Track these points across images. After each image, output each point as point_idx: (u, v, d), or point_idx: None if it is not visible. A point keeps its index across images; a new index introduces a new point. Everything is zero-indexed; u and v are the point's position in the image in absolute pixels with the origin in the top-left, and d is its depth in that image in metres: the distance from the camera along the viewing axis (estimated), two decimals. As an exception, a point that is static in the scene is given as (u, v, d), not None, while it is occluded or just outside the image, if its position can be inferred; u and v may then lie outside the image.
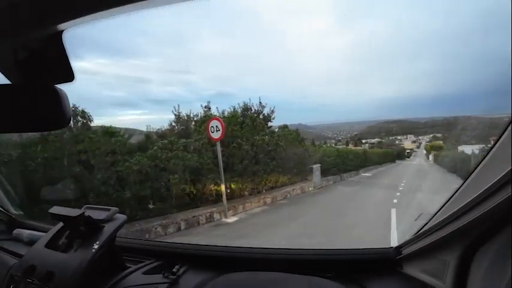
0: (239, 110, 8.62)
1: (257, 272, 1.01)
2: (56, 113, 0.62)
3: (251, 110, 8.78)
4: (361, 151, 15.87)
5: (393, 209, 6.70)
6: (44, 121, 0.65)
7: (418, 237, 0.88)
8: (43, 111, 0.63)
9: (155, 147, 6.29)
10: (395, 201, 7.71)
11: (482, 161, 0.72)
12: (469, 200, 0.65)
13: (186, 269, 1.01)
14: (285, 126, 10.22)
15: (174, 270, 0.97)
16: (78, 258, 0.83)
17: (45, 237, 0.94)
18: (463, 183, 0.77)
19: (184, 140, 6.86)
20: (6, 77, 0.63)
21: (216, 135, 6.42)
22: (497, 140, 0.68)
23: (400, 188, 9.64)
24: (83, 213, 0.88)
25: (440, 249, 0.81)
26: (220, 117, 7.39)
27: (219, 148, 6.46)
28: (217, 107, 8.41)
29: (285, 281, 0.96)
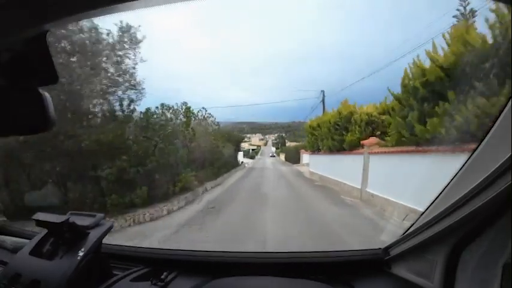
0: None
1: (247, 277, 1.00)
2: (39, 116, 0.61)
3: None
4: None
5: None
6: (28, 124, 0.63)
7: (405, 237, 0.89)
8: (26, 114, 0.61)
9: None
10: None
11: (467, 160, 0.73)
12: (456, 199, 0.65)
13: (174, 276, 0.99)
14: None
15: (163, 277, 0.95)
16: (63, 266, 0.81)
17: (29, 244, 0.92)
18: (448, 183, 0.78)
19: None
20: None
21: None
22: (485, 136, 0.68)
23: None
24: (68, 219, 0.86)
25: (427, 249, 0.81)
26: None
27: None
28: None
29: (276, 285, 0.95)
